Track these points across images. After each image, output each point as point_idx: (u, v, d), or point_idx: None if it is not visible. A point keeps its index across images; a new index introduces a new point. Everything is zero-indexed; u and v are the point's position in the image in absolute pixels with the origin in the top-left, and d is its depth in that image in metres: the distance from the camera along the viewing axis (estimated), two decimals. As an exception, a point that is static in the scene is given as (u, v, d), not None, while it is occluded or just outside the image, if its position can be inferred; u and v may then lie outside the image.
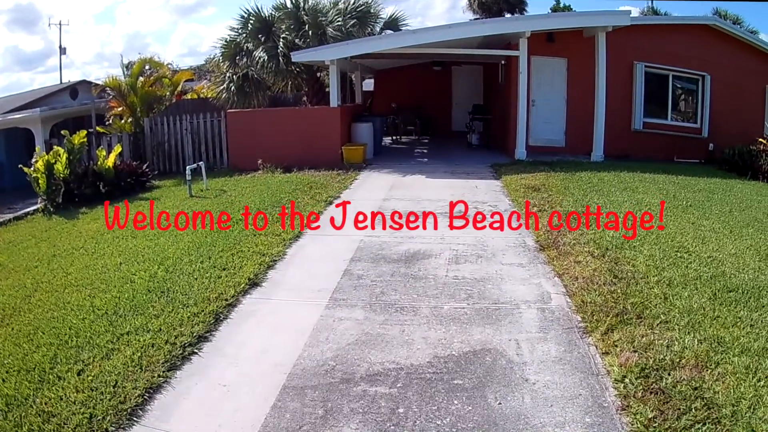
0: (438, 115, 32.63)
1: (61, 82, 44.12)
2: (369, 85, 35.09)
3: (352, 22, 23.27)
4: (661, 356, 6.03)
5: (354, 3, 24.74)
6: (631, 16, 22.14)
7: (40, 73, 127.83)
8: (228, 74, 24.24)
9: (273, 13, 24.80)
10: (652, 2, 57.12)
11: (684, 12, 70.44)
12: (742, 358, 6.06)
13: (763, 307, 7.50)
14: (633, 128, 23.39)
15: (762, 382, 5.66)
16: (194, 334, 6.48)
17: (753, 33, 35.05)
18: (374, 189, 15.08)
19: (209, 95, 26.35)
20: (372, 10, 25.51)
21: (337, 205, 13.32)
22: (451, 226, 11.34)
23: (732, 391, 5.49)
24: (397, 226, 11.31)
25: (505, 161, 19.70)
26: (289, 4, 24.52)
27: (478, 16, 50.22)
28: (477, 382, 5.73)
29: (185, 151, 21.10)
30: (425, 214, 12.24)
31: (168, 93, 26.52)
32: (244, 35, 24.33)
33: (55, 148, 17.19)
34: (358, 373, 5.79)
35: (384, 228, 11.20)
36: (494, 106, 26.39)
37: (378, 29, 26.32)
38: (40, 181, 16.05)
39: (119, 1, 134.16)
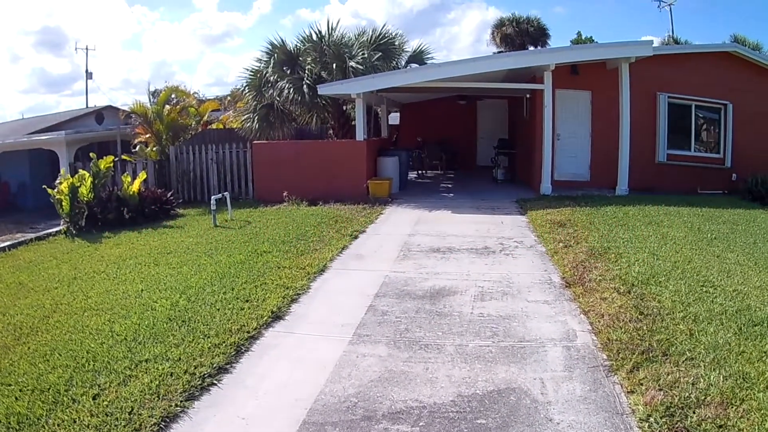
0: (463, 150, 32.62)
1: (87, 107, 44.72)
2: (395, 118, 35.31)
3: (376, 56, 23.24)
4: (687, 394, 5.95)
5: (379, 36, 24.77)
6: (653, 46, 22.16)
7: (66, 97, 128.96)
8: (253, 105, 24.31)
9: (298, 45, 24.91)
10: (672, 31, 57.20)
11: (703, 40, 70.40)
12: (767, 394, 5.99)
13: None
14: (657, 160, 23.34)
15: None
16: (214, 365, 6.42)
17: None
18: (400, 224, 15.08)
19: (235, 125, 26.38)
20: (397, 43, 25.55)
21: (363, 240, 13.29)
22: (477, 263, 11.23)
23: (757, 427, 5.44)
24: (422, 262, 11.17)
25: (531, 196, 19.64)
26: (314, 37, 24.55)
27: (501, 50, 50.33)
28: (501, 422, 5.61)
29: (210, 180, 21.11)
30: (451, 250, 12.15)
31: (194, 122, 26.66)
32: (270, 66, 24.25)
33: (81, 171, 17.20)
34: (380, 411, 5.69)
35: (409, 263, 11.09)
36: (519, 141, 26.40)
37: (403, 62, 26.32)
38: (63, 203, 16.03)
39: (146, 28, 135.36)
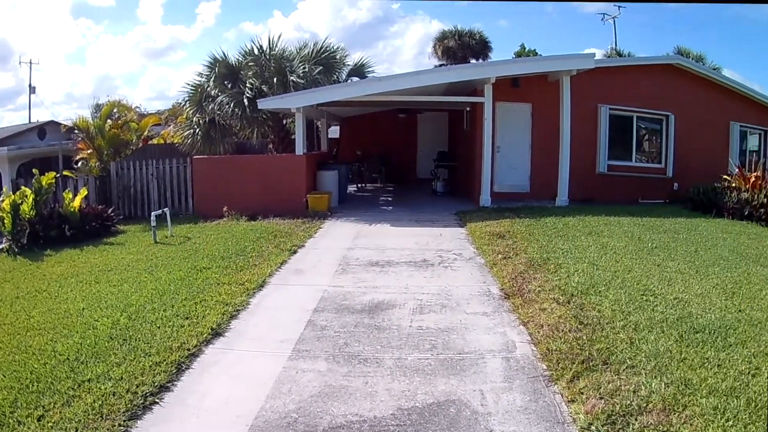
0: (403, 163, 32.85)
1: (29, 122, 44.30)
2: (335, 132, 35.30)
3: (317, 69, 23.36)
4: (628, 402, 6.07)
5: (320, 50, 24.89)
6: (595, 58, 22.40)
7: (10, 111, 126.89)
8: (194, 120, 24.43)
9: (240, 59, 24.96)
10: (616, 44, 57.80)
11: (648, 52, 71.18)
12: (710, 399, 6.15)
13: (730, 346, 7.65)
14: (598, 171, 23.75)
15: (730, 422, 5.76)
16: (156, 384, 6.42)
17: (716, 70, 35.85)
18: (339, 238, 15.12)
19: (175, 140, 26.34)
20: (338, 57, 25.72)
21: (302, 254, 13.31)
22: (416, 276, 11.33)
23: None
24: (361, 276, 11.25)
25: (470, 208, 19.82)
26: (256, 51, 24.63)
27: (443, 63, 50.63)
28: (441, 434, 5.60)
29: (151, 196, 20.99)
30: (389, 263, 12.25)
31: (135, 138, 26.47)
32: (211, 81, 24.35)
33: (23, 188, 17.04)
34: (320, 426, 5.76)
35: (348, 278, 11.16)
36: (459, 153, 26.59)
37: (344, 76, 26.45)
38: (5, 221, 15.91)
39: (90, 41, 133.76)
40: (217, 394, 6.41)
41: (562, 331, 8.06)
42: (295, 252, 13.44)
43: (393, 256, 12.91)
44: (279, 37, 30.67)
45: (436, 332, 8.28)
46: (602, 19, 65.36)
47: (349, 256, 12.93)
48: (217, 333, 8.16)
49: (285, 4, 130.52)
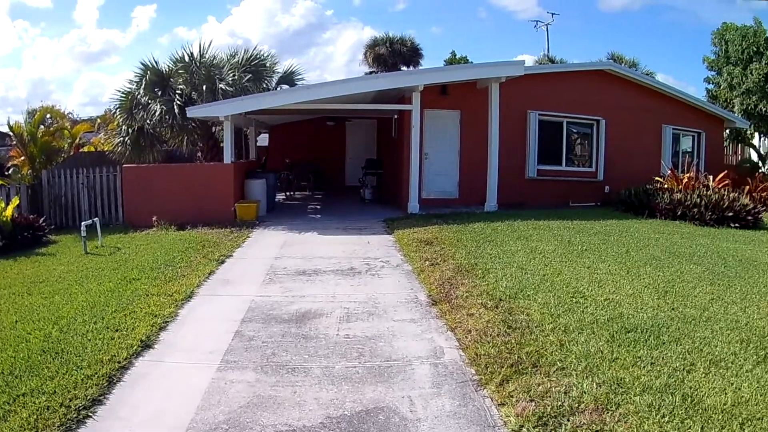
0: (332, 171, 33.03)
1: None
2: (264, 140, 35.41)
3: (247, 77, 23.35)
4: (559, 403, 6.23)
5: (250, 57, 24.91)
6: (525, 65, 22.75)
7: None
8: (124, 127, 24.23)
9: (171, 66, 24.76)
10: (548, 50, 58.45)
11: (583, 58, 72.08)
12: (644, 397, 6.34)
13: (664, 344, 7.90)
14: (527, 176, 24.27)
15: (666, 418, 5.95)
16: (88, 397, 6.44)
17: (649, 74, 37.68)
18: (267, 247, 15.15)
19: (106, 148, 26.16)
20: (268, 64, 25.67)
21: (230, 264, 13.33)
22: (343, 284, 11.45)
23: (635, 430, 5.77)
24: (288, 285, 11.32)
25: (398, 215, 20.01)
26: (186, 58, 24.48)
27: (373, 70, 50.93)
28: (371, 441, 5.73)
29: (82, 205, 20.75)
30: (317, 272, 12.34)
31: (67, 145, 26.33)
32: (142, 88, 24.08)
33: (-46, 197, 16.82)
34: (250, 436, 5.81)
35: (276, 287, 11.22)
36: (387, 161, 26.80)
37: (274, 83, 26.43)
38: (-62, 231, 15.67)
39: (27, 44, 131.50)
40: (149, 407, 6.43)
41: (491, 335, 8.22)
42: (223, 262, 13.45)
43: (320, 265, 13.00)
44: (210, 44, 30.46)
45: (363, 340, 8.39)
46: (535, 26, 66.69)
47: (277, 266, 12.99)
48: (147, 345, 8.16)
49: (219, 9, 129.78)
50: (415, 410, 6.35)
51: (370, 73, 48.56)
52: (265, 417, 6.17)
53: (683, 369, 7.16)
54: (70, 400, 6.36)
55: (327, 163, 33.20)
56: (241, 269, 12.89)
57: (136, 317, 9.23)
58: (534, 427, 5.86)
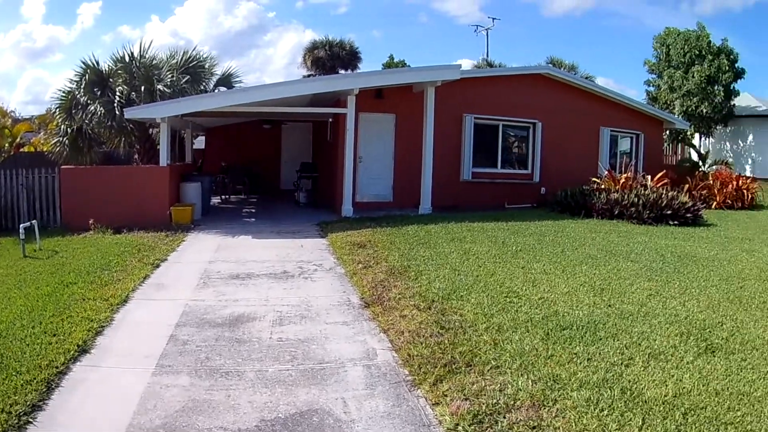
0: (267, 174, 33.02)
1: None
2: (201, 142, 35.17)
3: (185, 78, 23.35)
4: (494, 401, 6.33)
5: (189, 58, 24.82)
6: (462, 69, 22.85)
7: None
8: (63, 127, 24.09)
9: (111, 65, 24.57)
10: (487, 54, 58.87)
11: (523, 62, 72.70)
12: (581, 392, 6.50)
13: (600, 340, 8.09)
14: (462, 179, 24.55)
15: (605, 412, 6.11)
16: (28, 403, 6.42)
17: (588, 78, 38.51)
18: (201, 251, 15.15)
19: (45, 149, 26.01)
20: (206, 66, 25.68)
21: (165, 268, 13.29)
22: (276, 288, 11.53)
23: (574, 425, 5.89)
24: (222, 289, 11.35)
25: (332, 219, 20.17)
26: (127, 58, 24.37)
27: (312, 73, 51.17)
28: (305, 443, 5.81)
29: (21, 207, 20.44)
30: (250, 276, 12.39)
31: (7, 144, 26.06)
32: (81, 87, 23.92)
33: None
34: (185, 440, 5.87)
35: (209, 291, 11.25)
36: (323, 164, 26.93)
37: (212, 85, 26.41)
38: None
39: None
40: (87, 412, 6.42)
41: (423, 336, 8.35)
42: (158, 266, 13.38)
43: (254, 269, 13.05)
44: (150, 44, 30.11)
45: (296, 343, 8.48)
46: (475, 31, 66.95)
47: (211, 270, 13.01)
48: (83, 350, 8.12)
49: (163, 8, 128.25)
50: (349, 411, 6.39)
51: (308, 76, 48.46)
52: (201, 421, 6.19)
53: (621, 363, 7.34)
54: (11, 406, 6.34)
55: (263, 166, 33.19)
56: (175, 273, 12.87)
57: (73, 322, 9.16)
58: (469, 425, 5.94)
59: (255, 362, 7.76)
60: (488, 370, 7.14)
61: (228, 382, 7.13)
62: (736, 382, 7.00)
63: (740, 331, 9.01)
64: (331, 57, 52.67)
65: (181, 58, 24.82)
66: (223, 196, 29.47)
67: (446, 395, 6.59)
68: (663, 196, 21.20)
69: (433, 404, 6.51)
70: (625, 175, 23.96)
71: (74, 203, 19.50)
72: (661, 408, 6.21)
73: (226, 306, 10.22)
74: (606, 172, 24.94)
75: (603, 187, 23.12)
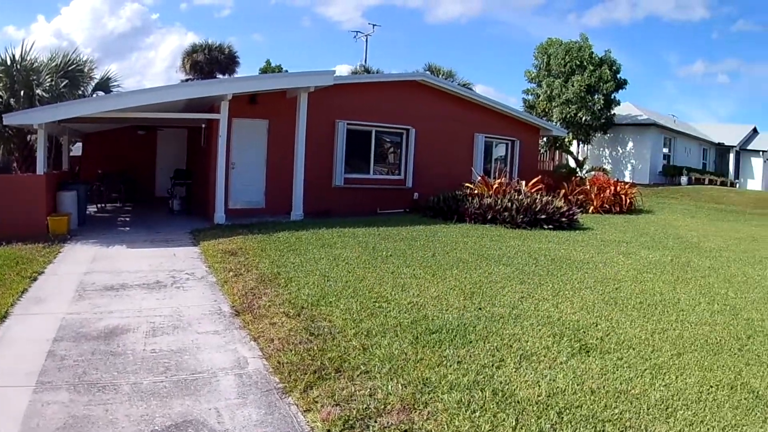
0: (143, 181, 32.59)
1: None
2: (79, 149, 34.71)
3: (64, 83, 23.01)
4: (365, 405, 6.55)
5: (68, 62, 24.40)
6: (336, 75, 23.29)
7: None
8: (-60, 135, 23.03)
9: (-8, 70, 23.76)
10: (366, 60, 59.30)
11: (403, 68, 73.45)
12: (452, 395, 6.78)
13: (471, 343, 8.41)
14: (334, 185, 24.98)
15: (478, 413, 6.39)
16: None
17: (466, 86, 39.56)
18: (77, 262, 14.89)
19: None
20: (86, 69, 25.38)
21: (42, 281, 13.03)
22: (149, 298, 11.53)
23: (446, 427, 6.13)
24: (97, 301, 11.27)
25: (205, 226, 20.17)
26: (8, 61, 23.74)
27: (190, 77, 51.17)
28: (181, 455, 5.89)
29: None
30: (124, 287, 12.34)
31: None
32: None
33: None
34: (68, 458, 5.88)
35: (85, 304, 11.14)
36: (196, 170, 26.99)
37: (90, 90, 26.13)
38: None
39: None
40: None
41: (293, 343, 8.60)
42: (35, 279, 13.10)
43: (128, 279, 12.99)
44: (32, 46, 29.55)
45: (169, 354, 8.55)
46: (355, 37, 67.56)
47: (86, 281, 12.85)
48: None
49: (49, 8, 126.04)
50: (222, 421, 6.50)
51: (187, 80, 48.75)
52: (82, 437, 6.19)
53: (492, 365, 7.67)
54: None
55: (138, 173, 32.72)
56: (52, 286, 12.62)
57: (-48, 340, 8.95)
58: (341, 431, 6.14)
59: (130, 375, 7.76)
60: (358, 376, 7.39)
61: (105, 396, 7.10)
62: (612, 381, 7.43)
63: (616, 330, 9.57)
64: (210, 61, 52.59)
65: (61, 61, 24.37)
66: (99, 205, 28.83)
67: (317, 401, 6.78)
68: (537, 200, 21.91)
69: (304, 411, 6.67)
70: (499, 180, 24.71)
71: (-52, 214, 18.84)
72: (535, 408, 6.51)
73: (101, 318, 10.17)
74: (479, 178, 25.45)
75: (476, 192, 23.83)
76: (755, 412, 6.94)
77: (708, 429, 6.45)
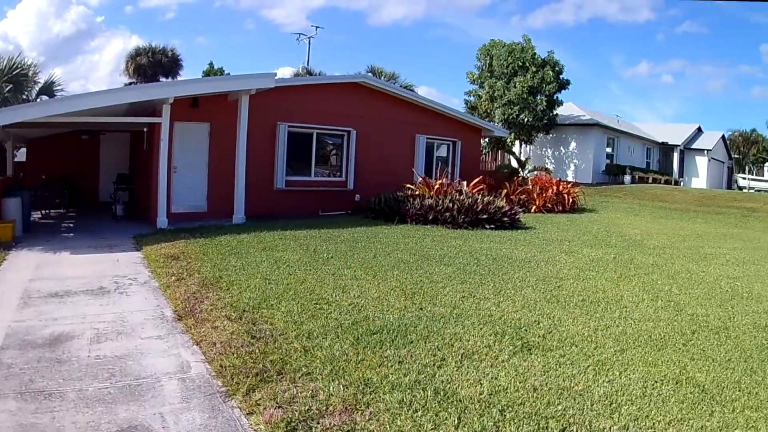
0: (86, 186, 32.26)
1: None
2: (23, 154, 34.14)
3: (8, 87, 22.97)
4: (307, 407, 6.60)
5: (13, 66, 24.38)
6: (277, 78, 23.30)
7: None
8: None
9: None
10: (308, 63, 59.50)
11: (347, 70, 73.57)
12: (394, 395, 6.88)
13: (412, 343, 8.52)
14: (276, 187, 25.02)
15: (420, 413, 6.48)
16: None
17: (408, 87, 39.81)
18: (22, 269, 14.76)
19: None
20: (30, 74, 25.37)
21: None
22: (93, 304, 11.48)
23: (388, 426, 6.21)
24: (42, 309, 11.20)
25: (148, 231, 20.04)
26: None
27: (133, 81, 50.66)
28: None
29: None
30: (68, 293, 12.26)
31: None
32: None
33: None
34: (16, 467, 5.91)
35: (30, 311, 11.07)
36: (139, 175, 26.76)
37: (34, 94, 26.06)
38: None
39: None
40: None
41: (235, 346, 8.65)
42: None
43: (72, 286, 12.90)
44: (-19, 51, 29.58)
45: (113, 360, 8.53)
46: (297, 40, 68.00)
47: (31, 288, 12.76)
48: None
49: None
50: (167, 426, 6.53)
51: (130, 83, 48.01)
52: (30, 446, 6.24)
53: (433, 365, 7.80)
54: None
55: (82, 178, 32.47)
56: (-1, 294, 12.56)
57: None
58: (284, 433, 6.14)
59: (76, 382, 7.73)
60: (300, 377, 7.47)
61: (52, 404, 7.06)
62: (555, 378, 7.60)
63: (558, 328, 9.77)
64: (153, 64, 52.29)
65: (6, 66, 24.41)
66: (43, 211, 28.33)
67: (259, 404, 6.84)
68: (479, 200, 22.09)
69: (247, 414, 6.73)
70: (440, 180, 24.84)
71: None
72: (477, 406, 6.64)
73: (46, 326, 10.13)
74: (420, 179, 25.62)
75: (418, 193, 23.98)
76: (701, 406, 7.16)
77: (653, 423, 6.65)
